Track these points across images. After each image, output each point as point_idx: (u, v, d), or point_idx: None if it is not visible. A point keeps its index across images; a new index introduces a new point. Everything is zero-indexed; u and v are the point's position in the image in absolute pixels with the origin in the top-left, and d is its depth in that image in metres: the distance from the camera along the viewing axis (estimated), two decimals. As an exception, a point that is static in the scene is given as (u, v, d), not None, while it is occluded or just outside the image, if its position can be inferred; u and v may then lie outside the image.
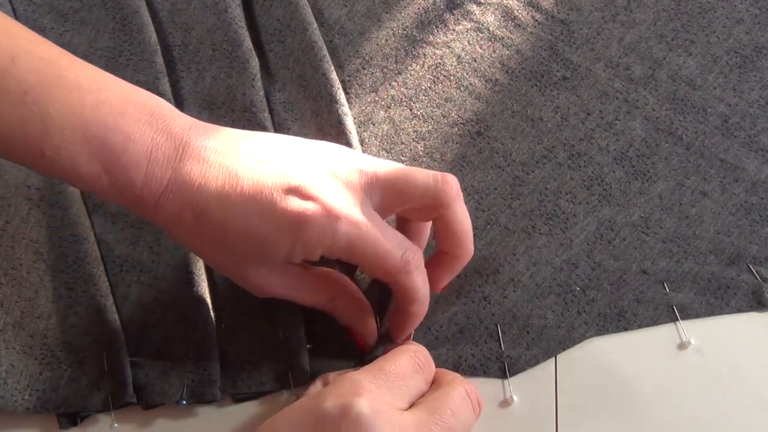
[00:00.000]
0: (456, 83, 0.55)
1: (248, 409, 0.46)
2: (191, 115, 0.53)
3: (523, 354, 0.46)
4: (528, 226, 0.50)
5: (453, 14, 0.58)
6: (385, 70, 0.56)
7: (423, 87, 0.55)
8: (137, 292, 0.48)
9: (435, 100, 0.55)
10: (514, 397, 0.45)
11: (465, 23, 0.57)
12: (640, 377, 0.46)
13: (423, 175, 0.43)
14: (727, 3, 0.57)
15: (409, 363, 0.42)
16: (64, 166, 0.39)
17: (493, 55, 0.56)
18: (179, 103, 0.54)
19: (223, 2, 0.56)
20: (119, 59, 0.54)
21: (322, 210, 0.40)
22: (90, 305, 0.47)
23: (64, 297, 0.48)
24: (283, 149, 0.43)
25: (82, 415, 0.45)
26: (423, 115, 0.54)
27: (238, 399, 0.46)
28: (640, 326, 0.47)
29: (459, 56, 0.56)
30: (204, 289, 0.48)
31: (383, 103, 0.55)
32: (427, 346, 0.46)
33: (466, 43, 0.57)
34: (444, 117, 0.54)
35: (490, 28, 0.57)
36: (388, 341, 0.46)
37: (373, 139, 0.54)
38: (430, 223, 0.47)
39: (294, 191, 0.40)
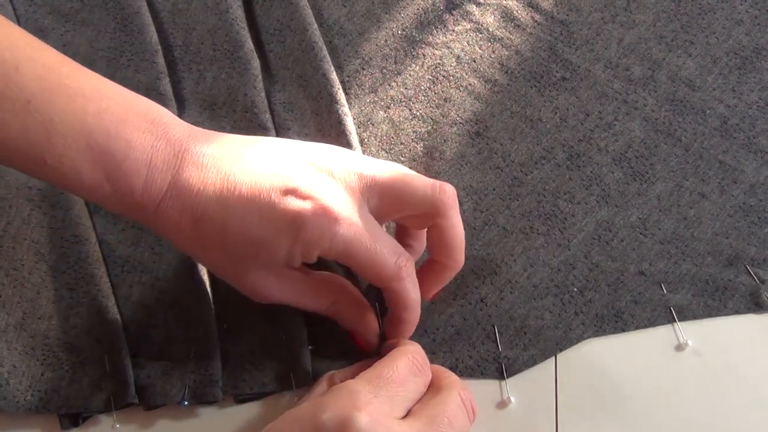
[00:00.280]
0: (455, 84, 0.55)
1: (250, 409, 0.46)
2: (192, 116, 0.53)
3: (520, 355, 0.46)
4: (526, 226, 0.50)
5: (452, 15, 0.58)
6: (384, 70, 0.56)
7: (422, 87, 0.56)
8: (139, 293, 0.48)
9: (434, 101, 0.55)
10: (512, 398, 0.45)
11: (464, 24, 0.57)
12: (638, 378, 0.46)
13: (421, 182, 0.43)
14: (726, 4, 0.57)
15: (407, 366, 0.42)
16: (66, 174, 0.40)
17: (493, 56, 0.56)
18: (180, 104, 0.54)
19: (225, 3, 0.56)
20: (120, 59, 0.54)
21: (321, 211, 0.40)
22: (91, 306, 0.47)
23: (66, 298, 0.48)
24: (282, 152, 0.43)
25: (84, 415, 0.46)
26: (422, 116, 0.54)
27: (240, 400, 0.47)
28: (637, 327, 0.47)
29: (458, 57, 0.56)
30: (206, 289, 0.48)
31: (382, 103, 0.55)
32: (424, 348, 0.46)
33: (466, 43, 0.57)
34: (443, 117, 0.54)
35: (490, 29, 0.57)
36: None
37: (373, 139, 0.54)
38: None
39: (292, 192, 0.41)
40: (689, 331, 0.47)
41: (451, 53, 0.56)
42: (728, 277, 0.48)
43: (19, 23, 0.55)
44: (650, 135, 0.53)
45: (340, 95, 0.54)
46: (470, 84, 0.55)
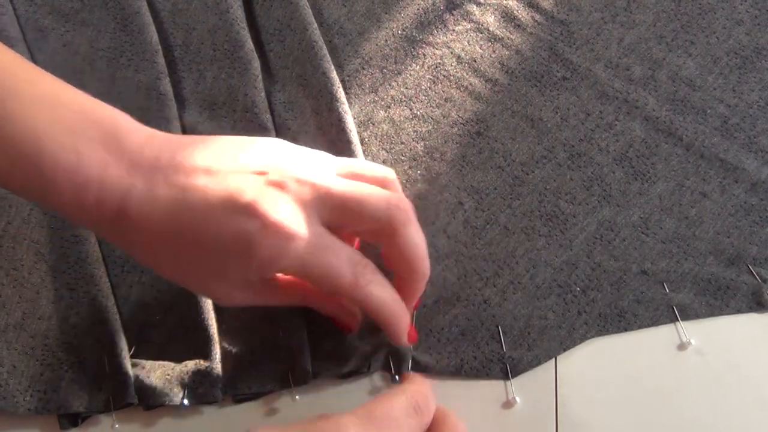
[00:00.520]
0: (456, 83, 0.55)
1: (249, 409, 0.46)
2: (192, 116, 0.53)
3: (524, 355, 0.46)
4: (528, 226, 0.50)
5: (452, 15, 0.58)
6: (384, 70, 0.56)
7: (423, 87, 0.55)
8: (138, 293, 0.48)
9: (435, 101, 0.55)
10: (517, 399, 0.45)
11: (464, 24, 0.57)
12: (641, 378, 0.46)
13: (376, 198, 0.42)
14: (727, 4, 0.57)
15: (402, 406, 0.40)
16: (16, 182, 0.39)
17: (493, 56, 0.56)
18: (180, 104, 0.54)
19: (225, 3, 0.56)
20: (120, 59, 0.54)
21: (273, 229, 0.39)
22: (91, 306, 0.47)
23: (66, 298, 0.48)
24: (235, 163, 0.42)
25: (83, 415, 0.46)
26: (423, 115, 0.54)
27: (239, 399, 0.46)
28: (640, 327, 0.47)
29: (459, 56, 0.56)
30: (205, 289, 0.48)
31: (383, 103, 0.55)
32: (428, 349, 0.46)
33: (466, 43, 0.57)
34: (444, 117, 0.54)
35: (490, 29, 0.57)
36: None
37: (373, 138, 0.54)
38: None
39: (243, 210, 0.40)
40: (692, 330, 0.47)
41: (452, 53, 0.56)
42: (730, 277, 0.48)
43: (19, 23, 0.55)
44: (651, 134, 0.53)
45: (341, 94, 0.53)
46: (471, 84, 0.55)
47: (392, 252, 0.44)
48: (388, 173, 0.45)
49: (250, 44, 0.55)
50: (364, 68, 0.56)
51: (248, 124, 0.53)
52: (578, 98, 0.54)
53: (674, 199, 0.51)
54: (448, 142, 0.53)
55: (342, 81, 0.55)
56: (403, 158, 0.53)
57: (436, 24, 0.57)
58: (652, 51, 0.55)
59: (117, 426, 0.45)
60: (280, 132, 0.53)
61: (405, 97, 0.55)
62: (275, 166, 0.41)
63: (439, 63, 0.56)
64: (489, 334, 0.47)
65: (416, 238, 0.43)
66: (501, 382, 0.46)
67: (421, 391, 0.42)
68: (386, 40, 0.57)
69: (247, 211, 0.39)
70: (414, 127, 0.54)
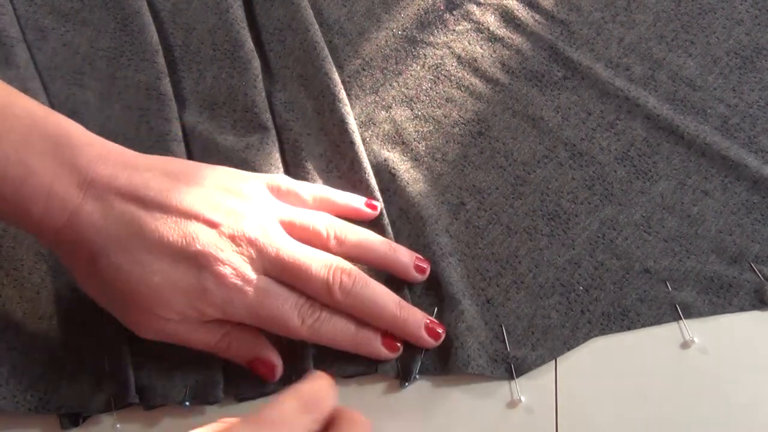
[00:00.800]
0: (456, 83, 0.55)
1: (251, 409, 0.46)
2: (192, 116, 0.53)
3: (528, 354, 0.46)
4: (530, 226, 0.50)
5: (453, 15, 0.58)
6: (385, 71, 0.56)
7: (423, 87, 0.55)
8: (139, 293, 0.48)
9: (436, 101, 0.55)
10: (522, 398, 0.45)
11: (465, 24, 0.57)
12: (644, 376, 0.45)
13: (319, 268, 0.43)
14: (727, 4, 0.57)
15: (292, 406, 0.39)
16: None
17: (494, 55, 0.56)
18: (180, 103, 0.54)
19: (225, 3, 0.56)
20: (120, 59, 0.54)
21: (221, 281, 0.41)
22: (91, 305, 0.47)
23: (66, 297, 0.47)
24: (191, 199, 0.42)
25: (84, 415, 0.45)
26: (424, 116, 0.54)
27: (241, 399, 0.46)
28: (643, 325, 0.47)
29: (459, 56, 0.56)
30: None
31: (384, 103, 0.55)
32: (432, 349, 0.46)
33: (467, 43, 0.57)
34: (445, 117, 0.54)
35: (490, 29, 0.57)
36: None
37: (375, 139, 0.54)
38: None
39: (194, 259, 0.41)
40: (694, 328, 0.47)
41: (452, 53, 0.56)
42: (732, 275, 0.48)
43: (19, 23, 0.55)
44: (652, 133, 0.53)
45: (343, 95, 0.53)
46: (471, 84, 0.55)
47: (349, 313, 0.45)
48: (327, 225, 0.46)
49: (250, 44, 0.55)
50: (364, 69, 0.56)
51: (248, 124, 0.53)
52: (579, 98, 0.54)
53: (676, 197, 0.51)
54: (449, 143, 0.53)
55: (342, 82, 0.55)
56: (404, 158, 0.53)
57: (437, 24, 0.58)
58: (653, 51, 0.56)
59: (118, 426, 0.45)
60: (282, 132, 0.53)
61: (406, 97, 0.55)
62: (227, 219, 0.43)
63: (440, 63, 0.56)
64: (493, 334, 0.47)
65: (361, 296, 0.44)
66: (505, 382, 0.46)
67: (312, 389, 0.41)
68: (386, 41, 0.57)
69: (198, 260, 0.41)
70: (415, 127, 0.54)
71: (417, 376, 0.46)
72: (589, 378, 0.46)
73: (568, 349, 0.46)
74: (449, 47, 0.57)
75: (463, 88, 0.55)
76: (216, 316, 0.43)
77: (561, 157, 0.52)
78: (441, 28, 0.57)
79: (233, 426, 0.38)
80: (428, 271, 0.48)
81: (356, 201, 0.50)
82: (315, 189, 0.49)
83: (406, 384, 0.46)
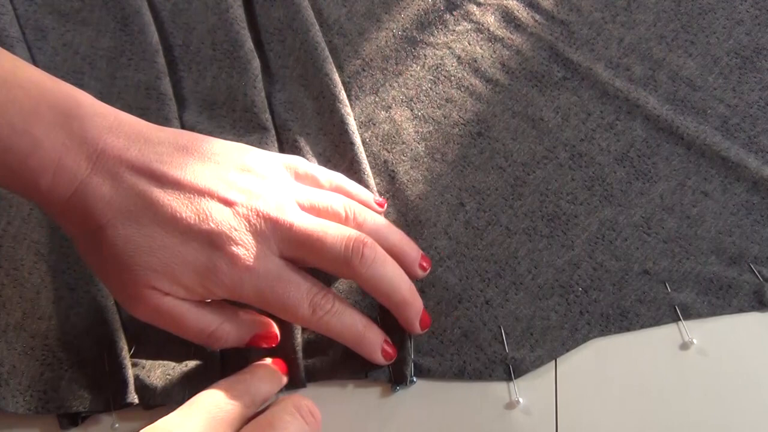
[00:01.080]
0: (456, 84, 0.55)
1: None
2: (192, 115, 0.53)
3: (527, 356, 0.46)
4: (529, 227, 0.50)
5: (453, 15, 0.58)
6: (385, 71, 0.56)
7: (423, 88, 0.55)
8: (138, 293, 0.48)
9: (435, 101, 0.55)
10: (520, 400, 0.45)
11: (465, 24, 0.57)
12: (643, 377, 0.46)
13: (335, 240, 0.42)
14: (727, 4, 0.57)
15: (221, 392, 0.41)
16: None
17: (494, 56, 0.56)
18: (180, 103, 0.54)
19: (225, 2, 0.56)
20: (121, 59, 0.54)
21: (233, 261, 0.40)
22: (91, 306, 0.47)
23: (66, 297, 0.47)
24: (206, 175, 0.42)
25: (83, 415, 0.45)
26: (424, 116, 0.54)
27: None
28: (642, 326, 0.47)
29: (459, 57, 0.56)
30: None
31: (384, 104, 0.55)
32: (431, 351, 0.46)
33: (466, 43, 0.57)
34: (445, 117, 0.54)
35: (490, 29, 0.57)
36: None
37: (375, 139, 0.54)
38: None
39: (206, 236, 0.40)
40: (694, 329, 0.47)
41: (452, 53, 0.56)
42: (732, 276, 0.48)
43: (19, 23, 0.55)
44: (652, 134, 0.53)
45: (343, 95, 0.53)
46: (471, 84, 0.55)
47: (361, 287, 0.45)
48: (346, 205, 0.46)
49: (250, 44, 0.55)
50: (364, 69, 0.56)
51: (247, 124, 0.53)
52: (579, 98, 0.54)
53: (675, 198, 0.51)
54: (449, 143, 0.53)
55: (342, 82, 0.55)
56: (404, 159, 0.53)
57: (437, 24, 0.57)
58: (653, 51, 0.56)
59: (117, 425, 0.45)
60: (281, 132, 0.53)
61: (406, 97, 0.55)
62: (242, 197, 0.42)
63: (440, 63, 0.56)
64: (491, 335, 0.47)
65: (380, 272, 0.44)
66: (504, 384, 0.46)
67: (243, 376, 0.43)
68: (386, 41, 0.57)
69: (211, 239, 0.40)
70: (415, 127, 0.54)
71: (414, 380, 0.46)
72: (588, 379, 0.46)
73: (567, 350, 0.46)
74: (449, 47, 0.57)
75: (462, 89, 0.55)
76: (223, 296, 0.42)
77: (561, 157, 0.52)
78: (441, 29, 0.57)
79: (164, 419, 0.39)
80: (428, 271, 0.48)
81: (367, 195, 0.50)
82: (332, 175, 0.48)
83: (398, 388, 0.46)
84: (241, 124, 0.53)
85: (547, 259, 0.49)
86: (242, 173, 0.43)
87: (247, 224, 0.41)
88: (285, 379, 0.45)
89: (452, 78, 0.56)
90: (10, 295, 0.47)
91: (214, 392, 0.41)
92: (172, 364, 0.46)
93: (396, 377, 0.46)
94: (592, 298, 0.48)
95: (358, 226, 0.45)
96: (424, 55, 0.57)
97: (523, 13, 0.57)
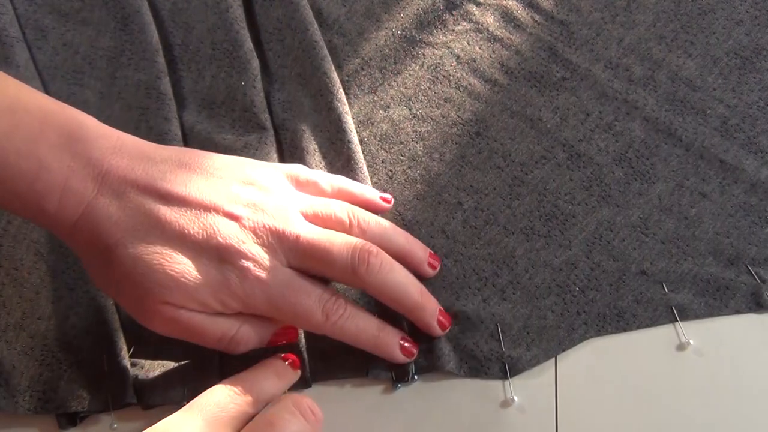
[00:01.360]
0: (455, 83, 0.55)
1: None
2: (191, 115, 0.53)
3: (523, 354, 0.46)
4: (527, 226, 0.50)
5: (452, 15, 0.58)
6: (384, 70, 0.56)
7: (422, 87, 0.55)
8: (137, 293, 0.48)
9: (434, 101, 0.55)
10: (515, 398, 0.45)
11: (464, 24, 0.57)
12: (639, 378, 0.46)
13: (341, 249, 0.43)
14: (726, 4, 0.57)
15: (224, 391, 0.41)
16: None
17: (493, 56, 0.56)
18: (179, 103, 0.54)
19: (224, 2, 0.56)
20: (121, 59, 0.54)
21: (242, 274, 0.41)
22: (90, 306, 0.47)
23: (65, 298, 0.48)
24: (211, 192, 0.42)
25: (82, 415, 0.46)
26: (422, 115, 0.54)
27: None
28: (639, 327, 0.47)
29: (458, 57, 0.56)
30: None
31: (382, 103, 0.55)
32: (427, 348, 0.46)
33: (466, 43, 0.57)
34: (443, 117, 0.54)
35: (490, 29, 0.57)
36: None
37: (373, 138, 0.54)
38: None
39: (216, 252, 0.41)
40: (691, 330, 0.47)
41: (451, 53, 0.56)
42: (729, 277, 0.48)
43: (19, 23, 0.55)
44: (651, 135, 0.53)
45: (341, 94, 0.54)
46: (470, 84, 0.55)
47: (371, 294, 0.45)
48: (349, 211, 0.46)
49: (249, 44, 0.55)
50: (363, 68, 0.56)
51: (247, 124, 0.53)
52: (578, 98, 0.54)
53: (673, 199, 0.51)
54: (447, 142, 0.53)
55: (341, 81, 0.55)
56: (402, 158, 0.53)
57: (436, 24, 0.57)
58: (652, 51, 0.55)
59: (116, 426, 0.45)
60: (280, 132, 0.53)
61: (404, 97, 0.55)
62: (247, 211, 0.42)
63: (439, 63, 0.56)
64: (488, 333, 0.47)
65: (388, 279, 0.44)
66: (499, 382, 0.46)
67: (246, 375, 0.43)
68: (386, 40, 0.57)
69: (220, 253, 0.41)
70: (413, 127, 0.54)
71: (416, 377, 0.46)
72: (586, 379, 0.46)
73: (564, 350, 0.46)
74: (448, 47, 0.57)
75: (461, 89, 0.55)
76: (238, 308, 0.42)
77: (559, 157, 0.52)
78: (440, 28, 0.57)
79: (164, 420, 0.40)
80: (438, 268, 0.49)
81: (372, 193, 0.50)
82: (333, 179, 0.49)
83: (399, 385, 0.46)
84: (240, 123, 0.53)
85: (545, 259, 0.49)
86: (245, 186, 0.44)
87: (254, 237, 0.42)
88: (297, 375, 0.45)
89: (451, 78, 0.56)
90: (10, 295, 0.47)
91: (216, 391, 0.42)
92: (172, 364, 0.46)
93: (397, 375, 0.46)
94: (589, 298, 0.48)
95: (363, 232, 0.46)
96: (423, 55, 0.57)
97: (522, 13, 0.57)
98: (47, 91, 0.53)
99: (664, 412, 0.45)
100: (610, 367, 0.46)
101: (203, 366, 0.46)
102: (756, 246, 0.49)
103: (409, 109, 0.55)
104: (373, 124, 0.54)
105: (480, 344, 0.47)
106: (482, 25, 0.57)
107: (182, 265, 0.40)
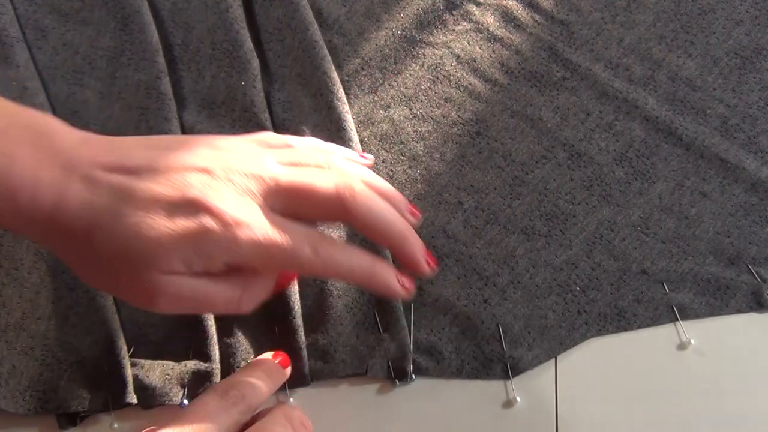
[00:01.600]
0: (455, 83, 0.55)
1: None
2: (191, 115, 0.53)
3: (525, 354, 0.46)
4: (527, 226, 0.50)
5: (452, 15, 0.58)
6: (384, 70, 0.56)
7: (422, 87, 0.55)
8: (138, 293, 0.48)
9: (434, 100, 0.55)
10: (518, 398, 0.45)
11: (464, 24, 0.57)
12: (640, 377, 0.46)
13: (323, 182, 0.42)
14: (726, 4, 0.57)
15: (214, 400, 0.41)
16: None
17: (493, 56, 0.56)
18: (179, 103, 0.54)
19: (224, 2, 0.56)
20: (121, 59, 0.54)
21: (222, 220, 0.39)
22: (90, 306, 0.47)
23: (65, 298, 0.48)
24: (178, 157, 0.41)
25: (82, 415, 0.46)
26: (422, 115, 0.54)
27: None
28: (640, 326, 0.47)
29: (458, 56, 0.56)
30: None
31: (383, 102, 0.55)
32: (429, 349, 0.46)
33: (466, 43, 0.57)
34: (444, 117, 0.54)
35: (490, 29, 0.57)
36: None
37: (373, 138, 0.54)
38: None
39: (190, 204, 0.39)
40: (691, 329, 0.47)
41: (451, 53, 0.56)
42: (730, 276, 0.48)
43: (19, 23, 0.55)
44: (651, 134, 0.53)
45: (342, 94, 0.53)
46: (470, 84, 0.55)
47: (358, 228, 0.43)
48: (327, 159, 0.45)
49: (249, 44, 0.55)
50: (363, 68, 0.56)
51: (247, 124, 0.53)
52: (578, 98, 0.54)
53: (674, 198, 0.51)
54: (447, 142, 0.53)
55: (341, 81, 0.55)
56: (402, 158, 0.53)
57: (436, 24, 0.57)
58: (652, 51, 0.55)
59: (116, 425, 0.45)
60: (279, 131, 0.53)
61: (404, 97, 0.55)
62: (220, 163, 0.41)
63: (439, 63, 0.56)
64: (489, 334, 0.47)
65: (374, 208, 0.43)
66: (501, 382, 0.46)
67: (234, 381, 0.42)
68: (386, 40, 0.57)
69: (195, 204, 0.39)
70: (414, 126, 0.54)
71: (414, 376, 0.46)
72: (587, 378, 0.46)
73: (565, 350, 0.46)
74: (448, 47, 0.57)
75: (461, 88, 0.55)
76: (223, 258, 0.40)
77: (559, 157, 0.52)
78: (440, 28, 0.57)
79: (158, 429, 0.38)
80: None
81: (351, 153, 0.49)
82: (307, 140, 0.48)
83: (398, 383, 0.46)
84: (240, 123, 0.53)
85: (545, 259, 0.49)
86: (215, 150, 0.43)
87: (229, 184, 0.41)
88: (287, 373, 0.45)
89: (451, 77, 0.56)
90: (10, 294, 0.47)
91: (206, 401, 0.41)
92: (171, 364, 0.46)
93: (396, 373, 0.46)
94: (590, 298, 0.48)
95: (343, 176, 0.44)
96: (424, 55, 0.57)
97: (522, 13, 0.57)
98: (47, 91, 0.53)
99: (665, 411, 0.45)
100: (611, 367, 0.46)
101: (203, 366, 0.46)
102: (756, 245, 0.49)
103: (410, 109, 0.55)
104: (373, 124, 0.54)
105: (482, 345, 0.47)
106: (482, 25, 0.57)
107: (157, 229, 0.39)
